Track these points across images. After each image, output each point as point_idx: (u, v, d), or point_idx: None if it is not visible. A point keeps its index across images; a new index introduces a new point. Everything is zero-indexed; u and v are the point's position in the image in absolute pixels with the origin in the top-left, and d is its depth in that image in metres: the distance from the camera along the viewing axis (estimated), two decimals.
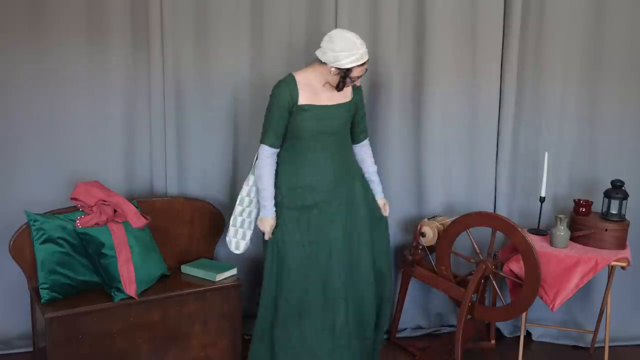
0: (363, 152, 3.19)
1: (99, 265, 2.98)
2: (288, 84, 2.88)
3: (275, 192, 2.97)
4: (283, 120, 2.89)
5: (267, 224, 2.96)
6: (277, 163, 2.97)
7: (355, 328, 3.04)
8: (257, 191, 3.01)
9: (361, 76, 2.89)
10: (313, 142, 2.92)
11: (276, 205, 2.97)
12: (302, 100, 2.87)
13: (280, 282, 2.98)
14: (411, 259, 3.42)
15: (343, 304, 2.98)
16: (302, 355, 2.98)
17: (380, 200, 3.20)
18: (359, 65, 2.81)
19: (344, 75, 2.83)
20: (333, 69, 2.81)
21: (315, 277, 2.97)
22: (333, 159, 2.97)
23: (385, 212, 3.22)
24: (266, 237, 2.99)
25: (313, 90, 2.89)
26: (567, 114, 3.66)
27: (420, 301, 3.81)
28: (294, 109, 2.88)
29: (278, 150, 2.95)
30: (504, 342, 3.73)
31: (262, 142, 2.93)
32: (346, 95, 2.98)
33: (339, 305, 2.98)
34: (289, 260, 2.96)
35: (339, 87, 2.87)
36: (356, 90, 3.04)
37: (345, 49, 2.77)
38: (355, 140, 3.14)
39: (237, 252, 3.12)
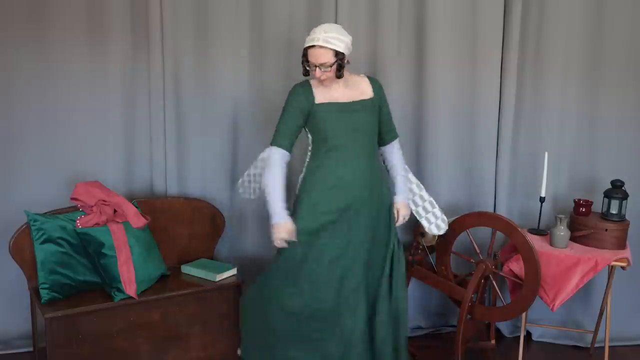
0: (393, 155, 3.05)
1: (99, 265, 2.98)
2: (302, 86, 2.86)
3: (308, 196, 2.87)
4: (297, 123, 2.83)
5: (283, 229, 2.79)
6: (308, 169, 2.89)
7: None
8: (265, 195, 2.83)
9: (318, 67, 2.75)
10: (339, 143, 2.84)
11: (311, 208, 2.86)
12: (319, 99, 2.84)
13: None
14: (411, 259, 3.42)
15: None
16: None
17: (398, 201, 3.01)
18: (306, 48, 2.77)
19: (304, 58, 2.81)
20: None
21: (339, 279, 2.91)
22: (362, 159, 2.87)
23: (397, 217, 3.00)
24: (278, 244, 2.81)
25: (326, 90, 2.86)
26: (567, 113, 3.65)
27: (420, 301, 3.81)
28: (312, 109, 2.83)
29: (288, 154, 2.85)
30: (504, 342, 3.73)
31: (272, 143, 2.84)
32: (364, 92, 2.91)
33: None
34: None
35: (303, 71, 2.84)
36: (375, 85, 2.95)
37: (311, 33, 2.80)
38: (383, 141, 3.03)
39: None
